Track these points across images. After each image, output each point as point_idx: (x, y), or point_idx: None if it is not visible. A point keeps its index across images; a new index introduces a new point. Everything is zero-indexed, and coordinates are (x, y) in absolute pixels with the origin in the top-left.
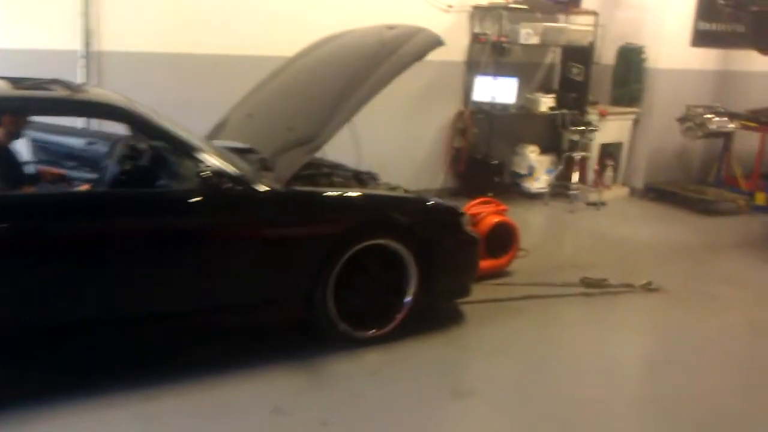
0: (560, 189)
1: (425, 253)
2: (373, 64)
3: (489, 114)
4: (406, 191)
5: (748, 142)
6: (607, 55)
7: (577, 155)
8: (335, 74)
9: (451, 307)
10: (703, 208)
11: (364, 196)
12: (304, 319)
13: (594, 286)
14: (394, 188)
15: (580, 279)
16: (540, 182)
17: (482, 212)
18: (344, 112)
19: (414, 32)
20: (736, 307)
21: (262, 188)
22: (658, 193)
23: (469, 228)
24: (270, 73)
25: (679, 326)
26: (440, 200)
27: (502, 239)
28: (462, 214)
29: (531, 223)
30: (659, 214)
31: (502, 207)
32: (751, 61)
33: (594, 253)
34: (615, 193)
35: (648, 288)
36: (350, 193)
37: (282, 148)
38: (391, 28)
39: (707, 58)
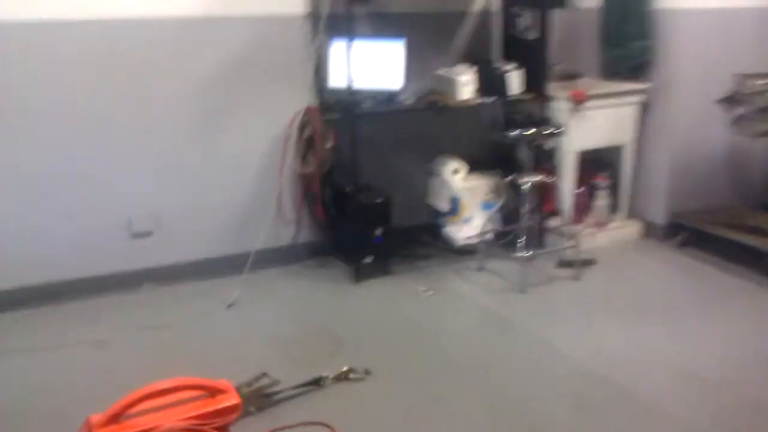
0: (512, 238)
1: None
2: None
3: (352, 112)
4: None
5: None
6: None
7: (534, 178)
8: None
9: None
10: None
11: None
12: None
13: None
14: None
15: None
16: (473, 226)
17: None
18: None
19: None
20: None
21: None
22: (694, 234)
23: None
24: None
25: None
26: None
27: None
28: None
29: (412, 337)
30: (698, 287)
31: (229, 404)
32: None
33: None
34: (616, 234)
35: None
36: None
37: None
38: None
39: None
